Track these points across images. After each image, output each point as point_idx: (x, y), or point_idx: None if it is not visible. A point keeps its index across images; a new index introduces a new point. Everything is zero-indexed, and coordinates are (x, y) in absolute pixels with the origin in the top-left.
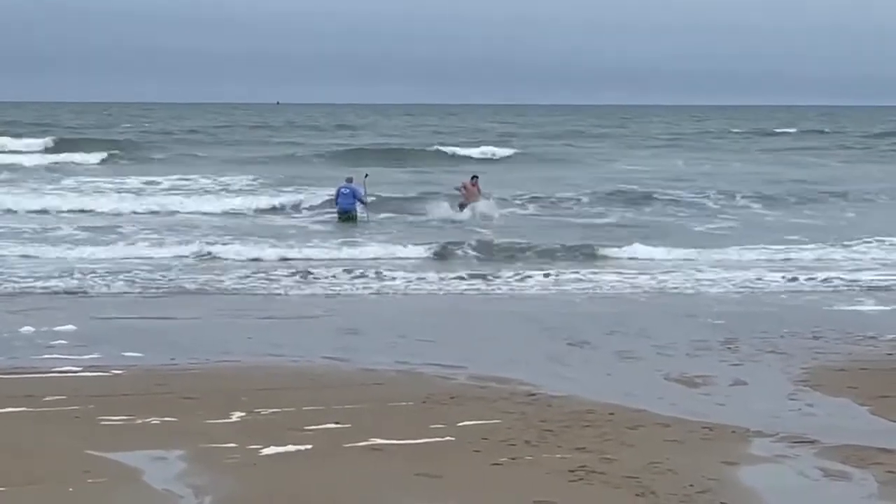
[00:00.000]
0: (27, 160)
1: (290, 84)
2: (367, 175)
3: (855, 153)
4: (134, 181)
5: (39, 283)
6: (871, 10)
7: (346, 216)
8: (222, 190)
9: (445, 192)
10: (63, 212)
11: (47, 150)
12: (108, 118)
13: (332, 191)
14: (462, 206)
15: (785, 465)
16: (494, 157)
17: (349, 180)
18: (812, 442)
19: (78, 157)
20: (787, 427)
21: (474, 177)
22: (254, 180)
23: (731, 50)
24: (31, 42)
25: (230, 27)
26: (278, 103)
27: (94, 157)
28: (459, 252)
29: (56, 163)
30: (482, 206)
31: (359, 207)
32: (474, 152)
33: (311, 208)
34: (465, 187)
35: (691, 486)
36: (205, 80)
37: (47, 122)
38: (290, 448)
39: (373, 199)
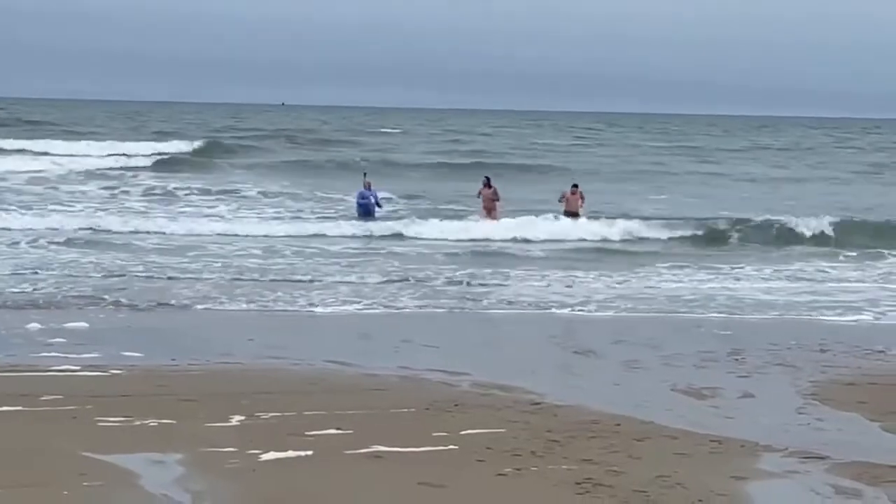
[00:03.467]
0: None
1: (293, 86)
2: (365, 174)
3: None
4: None
5: None
6: None
7: (367, 216)
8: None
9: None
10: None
11: (196, 153)
12: (189, 117)
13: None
14: (566, 214)
15: (796, 482)
16: None
17: (368, 185)
18: (823, 458)
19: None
20: (797, 442)
21: (574, 185)
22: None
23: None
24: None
25: (232, 29)
26: (283, 104)
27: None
28: None
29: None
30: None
31: (376, 208)
32: None
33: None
34: (564, 197)
35: (700, 501)
36: (205, 81)
37: (141, 121)
38: (291, 454)
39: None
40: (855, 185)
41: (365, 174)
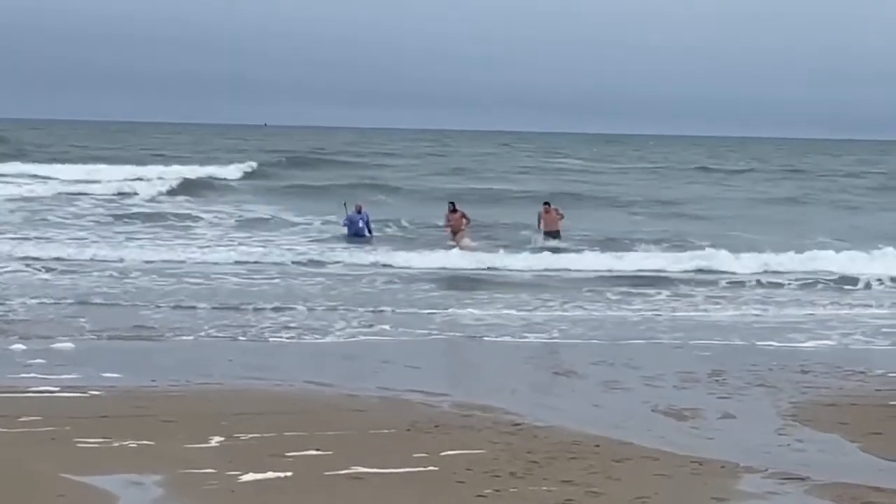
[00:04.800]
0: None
1: (275, 106)
2: (345, 203)
3: None
4: None
5: None
6: None
7: (358, 238)
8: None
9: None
10: None
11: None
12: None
13: None
14: (547, 235)
15: (776, 503)
16: None
17: (358, 209)
18: (803, 479)
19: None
20: (777, 463)
21: (546, 203)
22: None
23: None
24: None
25: (214, 48)
26: (266, 125)
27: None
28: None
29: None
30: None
31: (366, 231)
32: None
33: None
34: (541, 217)
35: None
36: (187, 100)
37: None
38: (270, 475)
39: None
40: None
41: (345, 203)
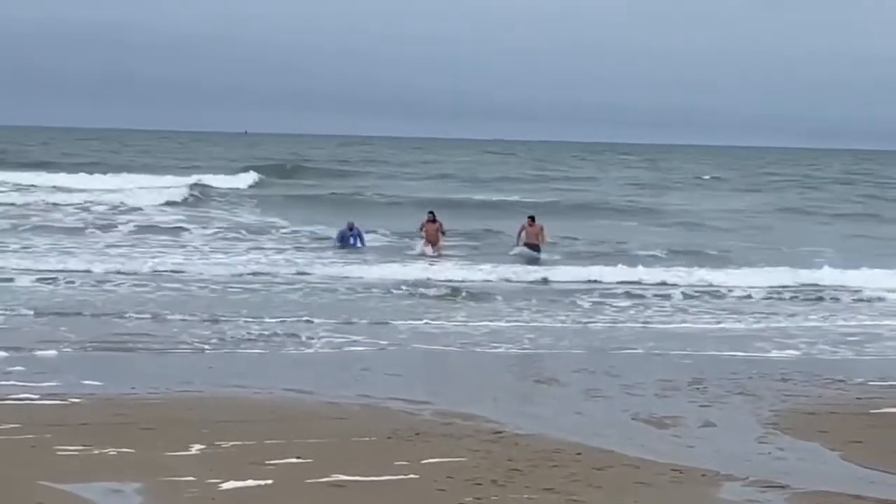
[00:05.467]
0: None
1: (253, 113)
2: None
3: None
4: None
5: None
6: None
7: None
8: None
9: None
10: None
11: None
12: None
13: None
14: (527, 247)
15: None
16: None
17: (351, 226)
18: (783, 487)
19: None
20: (758, 471)
21: (531, 217)
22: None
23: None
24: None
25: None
26: (246, 132)
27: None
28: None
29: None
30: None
31: (359, 244)
32: None
33: None
34: (523, 229)
35: None
36: (164, 108)
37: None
38: (251, 483)
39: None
40: None
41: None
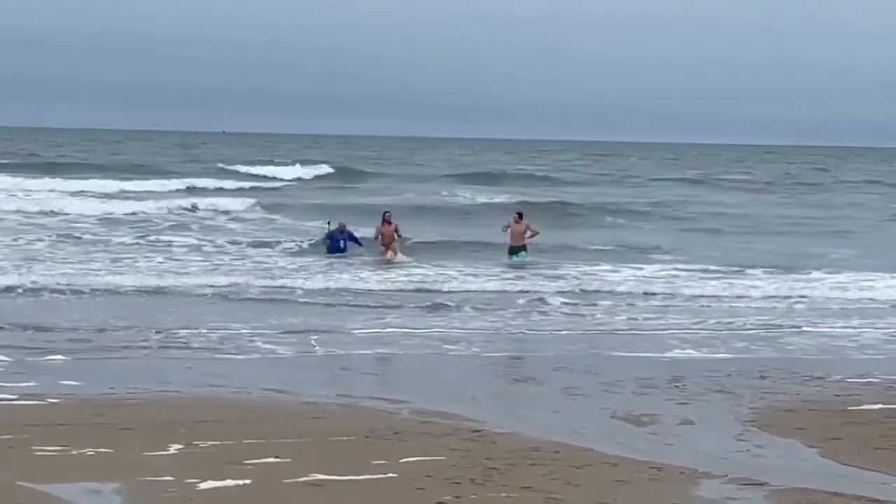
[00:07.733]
0: None
1: (231, 113)
2: (328, 221)
3: None
4: None
5: None
6: None
7: (337, 254)
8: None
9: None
10: None
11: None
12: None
13: None
14: (511, 249)
15: None
16: None
17: (341, 228)
18: (762, 484)
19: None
20: (736, 468)
21: (518, 213)
22: None
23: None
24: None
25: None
26: (224, 132)
27: None
28: None
29: None
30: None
31: (350, 245)
32: None
33: None
34: (509, 227)
35: None
36: (144, 108)
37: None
38: (229, 482)
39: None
40: None
41: (329, 222)
